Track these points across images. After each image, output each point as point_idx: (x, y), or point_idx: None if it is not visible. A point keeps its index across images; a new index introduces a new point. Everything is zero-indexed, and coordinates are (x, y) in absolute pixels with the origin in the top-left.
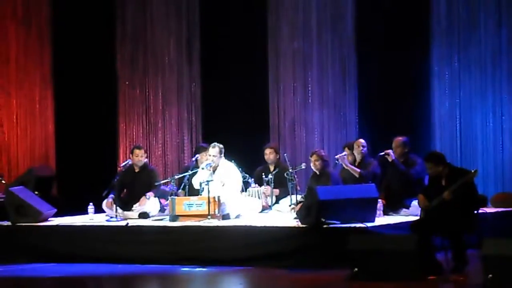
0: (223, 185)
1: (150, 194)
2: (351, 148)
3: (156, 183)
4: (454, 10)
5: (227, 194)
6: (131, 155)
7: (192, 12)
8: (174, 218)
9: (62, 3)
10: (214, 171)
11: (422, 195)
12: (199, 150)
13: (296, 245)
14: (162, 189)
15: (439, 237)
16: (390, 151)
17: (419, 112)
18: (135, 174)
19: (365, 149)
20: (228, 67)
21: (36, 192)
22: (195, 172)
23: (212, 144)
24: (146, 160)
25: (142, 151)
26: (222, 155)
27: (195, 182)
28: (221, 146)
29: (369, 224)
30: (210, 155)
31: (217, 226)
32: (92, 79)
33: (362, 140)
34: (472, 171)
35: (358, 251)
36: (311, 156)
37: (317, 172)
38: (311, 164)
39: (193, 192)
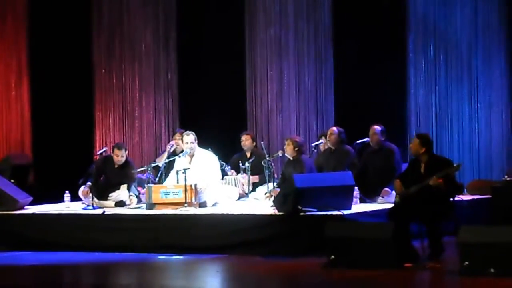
0: (201, 173)
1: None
2: (326, 136)
3: (133, 171)
4: None
5: (208, 182)
6: (111, 153)
7: (169, 0)
8: (150, 206)
9: None
10: (191, 159)
11: (398, 180)
12: (175, 134)
13: (273, 232)
14: (139, 177)
15: (416, 224)
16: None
17: (395, 99)
18: (114, 169)
19: (343, 135)
20: (205, 55)
21: (12, 180)
22: (171, 160)
23: (186, 132)
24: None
25: (123, 151)
26: (196, 141)
27: (173, 172)
28: (193, 133)
29: (346, 212)
30: (186, 143)
31: (194, 214)
32: (69, 66)
33: (334, 128)
34: (455, 164)
35: (334, 239)
36: (285, 141)
37: (291, 158)
38: (285, 149)
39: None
